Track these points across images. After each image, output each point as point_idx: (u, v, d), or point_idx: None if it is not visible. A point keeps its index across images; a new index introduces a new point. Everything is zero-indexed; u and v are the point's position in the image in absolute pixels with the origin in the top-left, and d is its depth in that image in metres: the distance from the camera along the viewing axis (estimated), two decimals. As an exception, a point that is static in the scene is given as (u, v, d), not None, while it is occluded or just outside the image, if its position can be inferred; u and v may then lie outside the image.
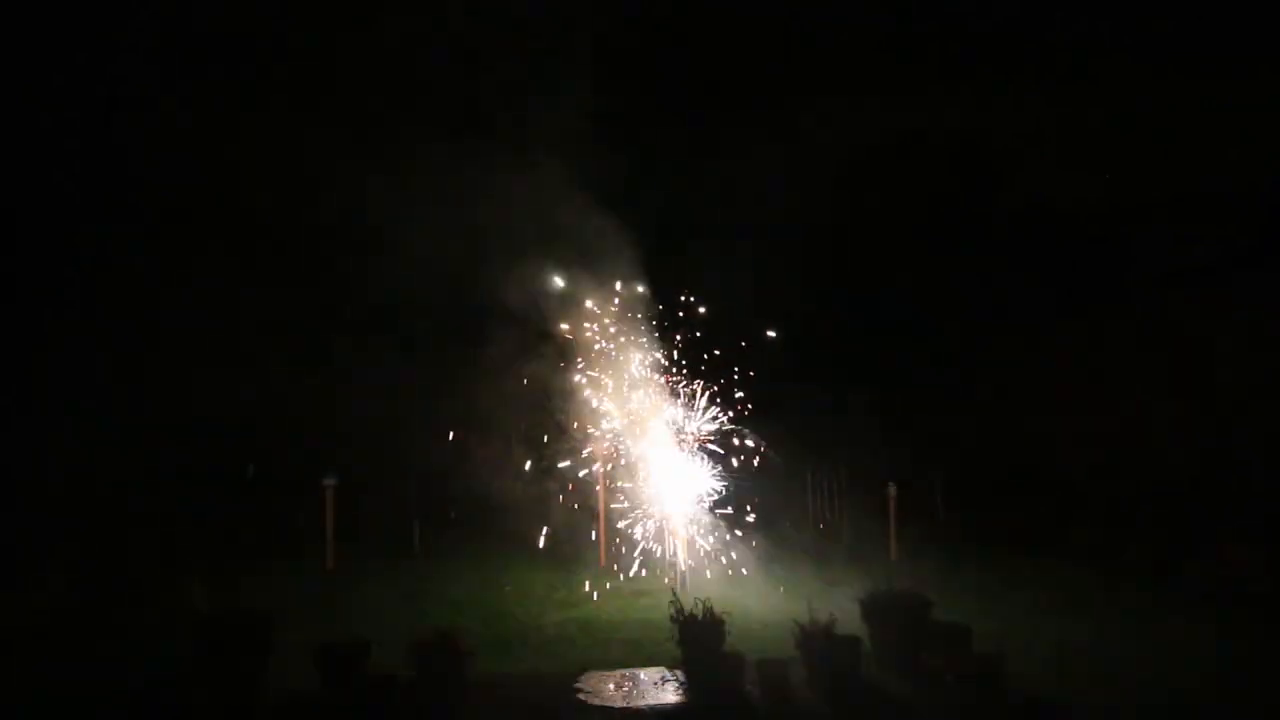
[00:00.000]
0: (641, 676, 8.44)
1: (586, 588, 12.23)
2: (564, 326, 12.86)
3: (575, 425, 13.26)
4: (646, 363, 12.76)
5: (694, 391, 12.80)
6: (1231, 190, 15.33)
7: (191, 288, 15.05)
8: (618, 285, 12.88)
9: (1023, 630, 9.49)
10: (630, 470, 13.05)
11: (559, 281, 12.77)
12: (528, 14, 14.57)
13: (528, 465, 13.88)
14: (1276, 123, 14.94)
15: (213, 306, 15.44)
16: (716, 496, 12.65)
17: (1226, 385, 13.64)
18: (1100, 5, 17.20)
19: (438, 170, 13.46)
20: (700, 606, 8.10)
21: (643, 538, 12.97)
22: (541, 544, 13.34)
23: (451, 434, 14.36)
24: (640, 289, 12.92)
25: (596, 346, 12.90)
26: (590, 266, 12.87)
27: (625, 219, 13.08)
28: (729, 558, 12.76)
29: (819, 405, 16.42)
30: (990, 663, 7.29)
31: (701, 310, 13.10)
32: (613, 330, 12.83)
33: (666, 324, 12.93)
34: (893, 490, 14.00)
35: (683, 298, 13.11)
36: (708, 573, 12.48)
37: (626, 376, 12.79)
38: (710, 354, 12.99)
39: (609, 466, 13.32)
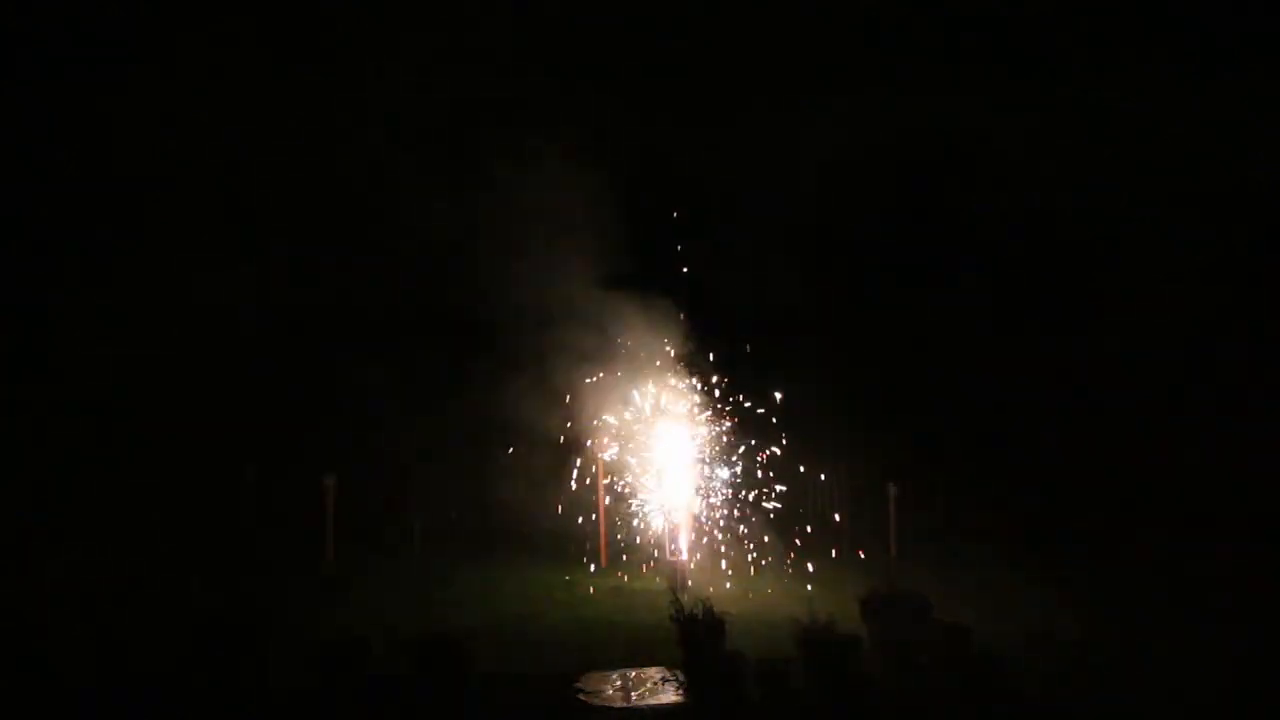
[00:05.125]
0: (641, 676, 8.44)
1: (586, 588, 12.23)
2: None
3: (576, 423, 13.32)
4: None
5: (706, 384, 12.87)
6: (1231, 190, 15.33)
7: (189, 284, 15.04)
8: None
9: (1023, 630, 9.48)
10: (632, 468, 13.10)
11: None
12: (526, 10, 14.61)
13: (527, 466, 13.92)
14: (1277, 123, 14.94)
15: (212, 303, 15.43)
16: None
17: (1227, 384, 13.65)
18: (1100, 5, 17.19)
19: (439, 161, 13.50)
20: (700, 606, 8.10)
21: (642, 537, 13.00)
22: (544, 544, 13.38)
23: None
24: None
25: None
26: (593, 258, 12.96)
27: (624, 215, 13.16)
28: (731, 557, 12.78)
29: (820, 404, 16.41)
30: (990, 663, 7.29)
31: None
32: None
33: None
34: (893, 490, 13.99)
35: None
36: (709, 572, 12.50)
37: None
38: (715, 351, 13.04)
39: (609, 461, 13.35)
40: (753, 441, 13.13)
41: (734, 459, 13.02)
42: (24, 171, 14.48)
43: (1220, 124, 15.35)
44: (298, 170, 14.22)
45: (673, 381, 12.89)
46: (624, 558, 13.13)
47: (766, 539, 13.24)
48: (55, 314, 14.83)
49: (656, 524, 12.89)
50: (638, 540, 13.05)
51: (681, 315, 13.04)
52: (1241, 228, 15.01)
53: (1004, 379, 17.10)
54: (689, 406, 12.90)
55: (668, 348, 12.96)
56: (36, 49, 14.49)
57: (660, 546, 12.77)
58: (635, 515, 13.07)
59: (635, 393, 12.98)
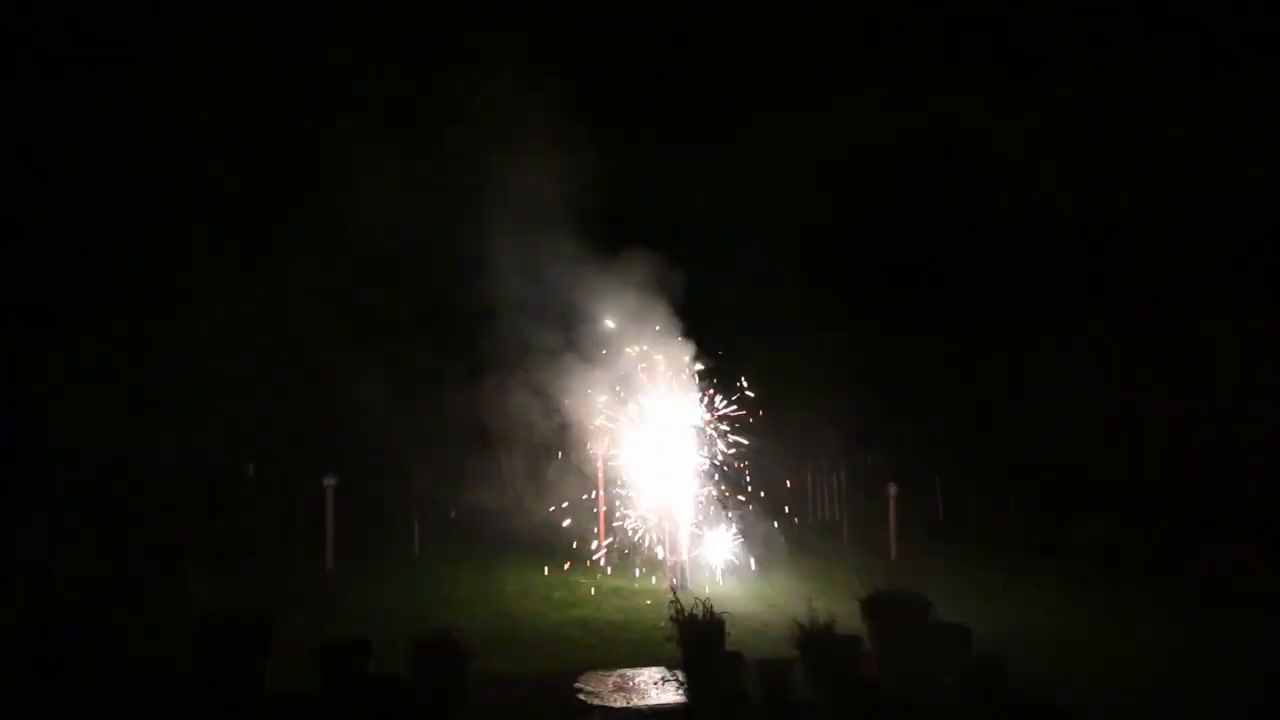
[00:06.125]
0: (641, 676, 8.44)
1: (586, 588, 12.23)
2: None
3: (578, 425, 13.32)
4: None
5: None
6: (1231, 190, 15.35)
7: (193, 286, 15.05)
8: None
9: (1023, 630, 9.48)
10: (632, 470, 13.09)
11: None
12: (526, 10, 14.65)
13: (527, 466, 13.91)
14: (1277, 123, 14.95)
15: (214, 305, 15.45)
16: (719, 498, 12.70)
17: (1227, 385, 13.65)
18: (1100, 5, 17.21)
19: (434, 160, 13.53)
20: (700, 606, 8.09)
21: (642, 537, 13.00)
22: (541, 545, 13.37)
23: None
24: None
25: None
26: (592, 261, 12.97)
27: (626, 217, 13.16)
28: (730, 558, 12.77)
29: (819, 403, 16.43)
30: (990, 663, 7.29)
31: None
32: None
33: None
34: (893, 490, 14.00)
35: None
36: (708, 571, 12.50)
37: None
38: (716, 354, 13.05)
39: (608, 463, 13.34)
40: (753, 441, 13.13)
41: (734, 459, 13.02)
42: (24, 171, 14.49)
43: (1220, 124, 15.36)
44: (296, 170, 14.22)
45: (672, 381, 12.89)
46: (623, 557, 13.12)
47: (767, 539, 13.24)
48: (55, 315, 14.82)
49: (656, 523, 12.88)
50: (637, 539, 13.04)
51: (680, 314, 13.03)
52: (1241, 228, 15.02)
53: (1004, 378, 17.11)
54: (689, 406, 12.90)
55: (666, 346, 12.95)
56: (36, 49, 14.50)
57: (660, 545, 12.77)
58: (635, 514, 13.06)
59: (634, 392, 12.97)
